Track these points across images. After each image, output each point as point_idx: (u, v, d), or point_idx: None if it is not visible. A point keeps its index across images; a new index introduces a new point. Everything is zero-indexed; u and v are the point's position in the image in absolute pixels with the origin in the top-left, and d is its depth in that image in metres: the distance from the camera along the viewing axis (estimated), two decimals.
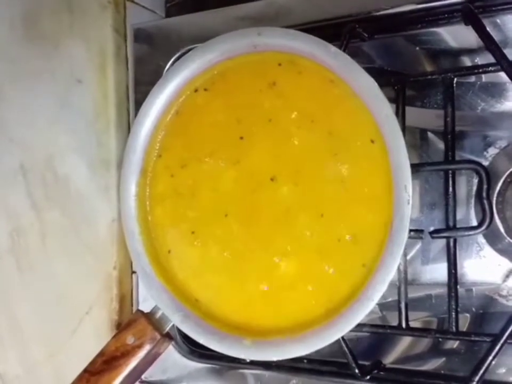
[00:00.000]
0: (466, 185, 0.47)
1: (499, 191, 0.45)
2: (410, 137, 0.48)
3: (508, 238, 0.45)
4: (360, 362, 0.45)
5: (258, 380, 0.51)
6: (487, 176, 0.41)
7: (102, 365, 0.43)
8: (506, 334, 0.41)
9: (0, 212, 0.60)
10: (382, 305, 0.48)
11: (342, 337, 0.43)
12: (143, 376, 0.45)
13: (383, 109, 0.38)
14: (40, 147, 0.59)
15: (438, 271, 0.48)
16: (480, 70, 0.44)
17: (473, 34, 0.43)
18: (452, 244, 0.44)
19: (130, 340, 0.42)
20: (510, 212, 0.45)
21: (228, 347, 0.41)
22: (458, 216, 0.45)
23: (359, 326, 0.39)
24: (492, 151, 0.46)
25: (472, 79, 0.47)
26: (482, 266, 0.47)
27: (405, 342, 0.49)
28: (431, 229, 0.45)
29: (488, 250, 0.47)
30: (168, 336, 0.44)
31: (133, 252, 0.44)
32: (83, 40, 0.58)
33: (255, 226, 0.42)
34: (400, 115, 0.45)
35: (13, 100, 0.60)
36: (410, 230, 0.38)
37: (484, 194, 0.41)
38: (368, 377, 0.44)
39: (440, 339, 0.47)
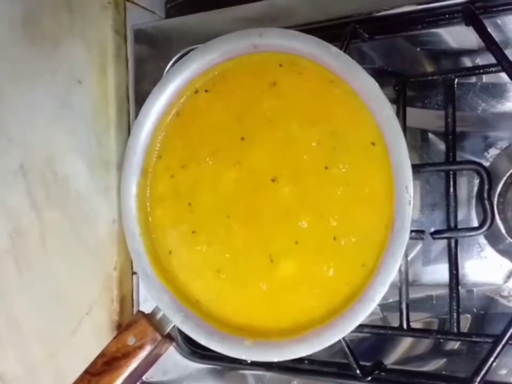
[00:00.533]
0: (467, 186, 0.47)
1: (500, 191, 0.45)
2: (411, 138, 0.48)
3: (509, 239, 0.45)
4: (361, 363, 0.44)
5: (259, 380, 0.51)
6: (488, 176, 0.41)
7: (103, 366, 0.43)
8: (508, 335, 0.41)
9: (0, 212, 0.60)
10: (383, 306, 0.48)
11: (343, 338, 0.43)
12: (144, 377, 0.45)
13: (384, 109, 0.38)
14: (40, 147, 0.59)
15: (438, 272, 0.48)
16: (481, 71, 0.44)
17: (474, 35, 0.43)
18: (453, 244, 0.44)
19: (131, 340, 0.42)
20: (511, 213, 0.45)
21: (228, 348, 0.41)
22: (459, 217, 0.45)
23: (360, 327, 0.39)
24: (493, 152, 0.46)
25: (473, 79, 0.47)
26: (483, 267, 0.47)
27: (406, 342, 0.49)
28: (432, 229, 0.45)
29: (489, 251, 0.47)
30: (169, 337, 0.44)
31: (134, 253, 0.44)
32: (83, 41, 0.58)
33: (256, 227, 0.42)
34: (401, 116, 0.45)
35: (13, 100, 0.60)
36: (411, 231, 0.38)
37: (485, 195, 0.41)
38: (369, 378, 0.44)
39: (441, 340, 0.47)
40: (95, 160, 0.57)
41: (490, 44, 0.41)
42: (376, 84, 0.38)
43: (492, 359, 0.41)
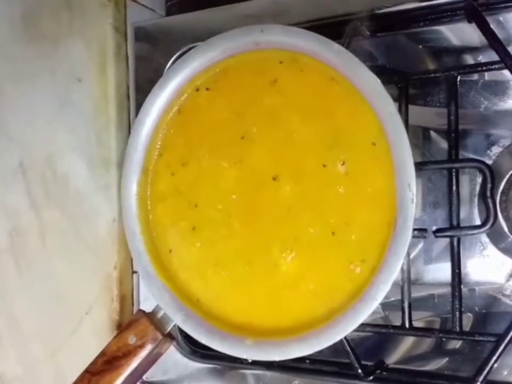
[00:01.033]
0: (469, 184, 0.47)
1: (503, 190, 0.44)
2: (413, 136, 0.48)
3: None
4: (363, 362, 0.44)
5: (260, 380, 0.51)
6: (491, 174, 0.41)
7: (103, 365, 0.42)
8: (511, 333, 0.40)
9: None
10: (385, 305, 0.48)
11: (345, 337, 0.43)
12: (144, 377, 0.45)
13: (387, 106, 0.38)
14: (39, 146, 0.59)
15: (440, 271, 0.48)
16: (484, 68, 0.44)
17: (476, 33, 0.43)
18: (455, 243, 0.44)
19: (131, 339, 0.42)
20: None
21: (229, 347, 0.41)
22: (462, 215, 0.44)
23: (362, 326, 0.39)
24: (496, 150, 0.46)
25: (475, 77, 0.46)
26: (486, 266, 0.47)
27: (407, 342, 0.48)
28: (434, 228, 0.45)
29: (491, 249, 0.47)
30: (169, 336, 0.44)
31: (134, 251, 0.44)
32: (83, 39, 0.57)
33: (257, 226, 0.42)
34: (403, 113, 0.44)
35: (12, 99, 0.60)
36: (414, 229, 0.38)
37: (488, 193, 0.41)
38: (371, 377, 0.44)
39: (443, 339, 0.47)
40: (95, 159, 0.57)
41: (493, 41, 0.41)
42: (379, 81, 0.38)
43: (494, 358, 0.41)
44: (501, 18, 0.44)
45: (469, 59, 0.47)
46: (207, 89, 0.44)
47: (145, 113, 0.44)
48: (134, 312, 0.54)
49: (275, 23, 0.42)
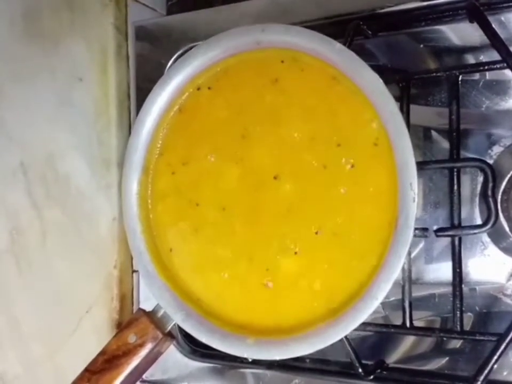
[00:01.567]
0: (470, 183, 0.47)
1: (504, 189, 0.44)
2: (414, 136, 0.48)
3: None
4: (364, 361, 0.44)
5: (260, 379, 0.51)
6: (493, 174, 0.41)
7: (103, 364, 0.42)
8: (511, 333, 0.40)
9: (0, 210, 0.60)
10: (385, 305, 0.48)
11: (346, 337, 0.43)
12: (144, 376, 0.45)
13: (388, 105, 0.38)
14: (40, 145, 0.59)
15: (441, 270, 0.48)
16: (486, 67, 0.44)
17: (477, 32, 0.43)
18: (456, 242, 0.44)
19: (132, 338, 0.42)
20: None
21: (230, 346, 0.41)
22: (463, 215, 0.44)
23: (363, 325, 0.39)
24: (497, 150, 0.46)
25: (476, 76, 0.46)
26: (487, 265, 0.47)
27: (408, 341, 0.48)
28: (435, 227, 0.45)
29: (492, 249, 0.47)
30: (170, 335, 0.44)
31: (135, 250, 0.44)
32: (84, 38, 0.57)
33: (258, 225, 0.42)
34: (405, 113, 0.44)
35: (13, 98, 0.60)
36: (415, 229, 0.37)
37: (489, 193, 0.41)
38: (371, 376, 0.44)
39: (444, 338, 0.47)
40: (96, 158, 0.57)
41: (495, 41, 0.41)
42: (381, 80, 0.38)
43: (495, 357, 0.40)
44: (502, 18, 0.44)
45: (471, 59, 0.47)
46: (208, 88, 0.44)
47: (146, 113, 0.44)
48: (134, 311, 0.54)
49: (276, 22, 0.42)
